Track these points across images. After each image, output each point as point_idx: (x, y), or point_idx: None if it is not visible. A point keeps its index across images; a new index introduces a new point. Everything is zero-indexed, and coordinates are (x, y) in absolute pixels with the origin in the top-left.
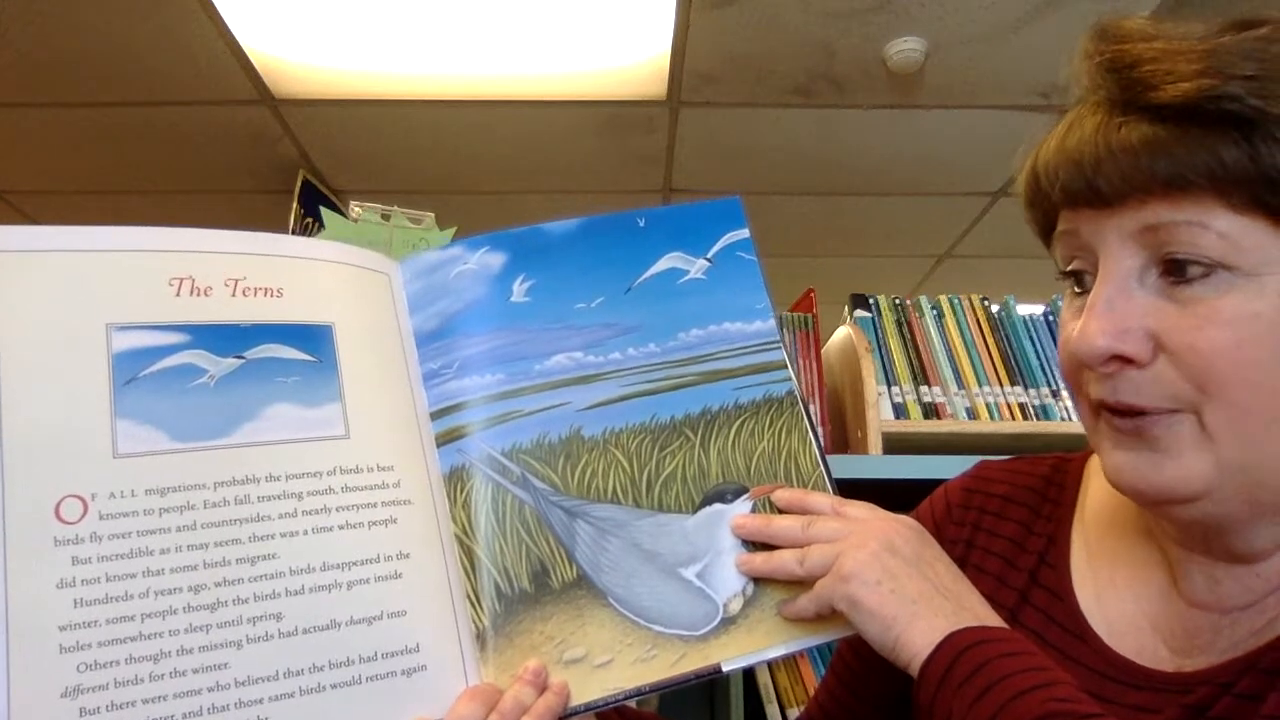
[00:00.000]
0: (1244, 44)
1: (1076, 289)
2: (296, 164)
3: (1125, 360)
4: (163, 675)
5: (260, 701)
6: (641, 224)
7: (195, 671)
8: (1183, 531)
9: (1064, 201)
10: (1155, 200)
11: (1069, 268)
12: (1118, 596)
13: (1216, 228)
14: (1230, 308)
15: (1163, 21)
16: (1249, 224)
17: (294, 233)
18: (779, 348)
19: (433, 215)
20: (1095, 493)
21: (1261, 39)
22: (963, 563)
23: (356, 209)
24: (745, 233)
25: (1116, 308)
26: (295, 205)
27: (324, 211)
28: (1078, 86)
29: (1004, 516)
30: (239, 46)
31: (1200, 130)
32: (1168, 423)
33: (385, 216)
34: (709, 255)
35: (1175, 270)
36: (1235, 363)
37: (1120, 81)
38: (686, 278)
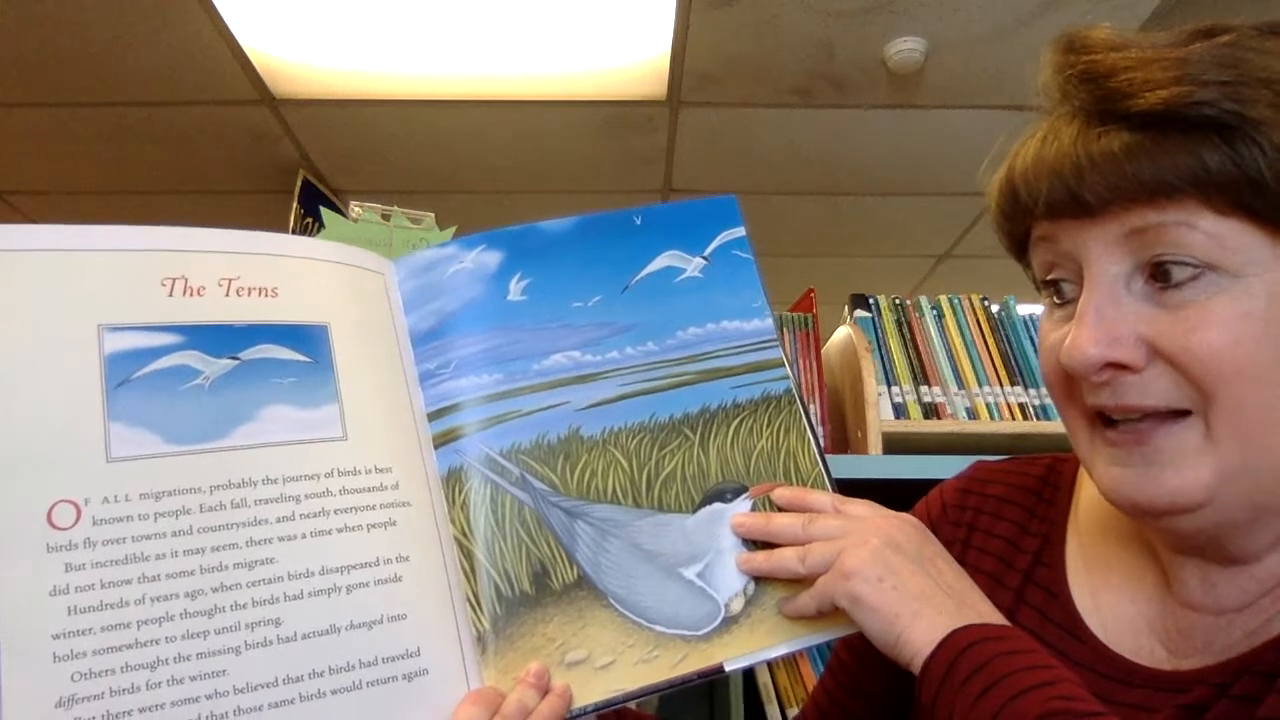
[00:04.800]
0: (1215, 51)
1: (1056, 299)
2: (296, 164)
3: (1119, 367)
4: (160, 683)
5: (260, 709)
6: (638, 222)
7: (193, 679)
8: (1178, 539)
9: (1046, 213)
10: (1140, 206)
11: (1049, 277)
12: (1113, 597)
13: (1203, 228)
14: (1221, 309)
15: (1128, 32)
16: (1232, 225)
17: (294, 233)
18: (776, 346)
19: (432, 215)
20: (1089, 493)
21: (1230, 45)
22: (958, 562)
23: (356, 209)
24: (741, 231)
25: (1106, 316)
26: (295, 205)
27: (324, 211)
28: (1047, 99)
29: (999, 516)
30: (239, 46)
31: (1181, 136)
32: (1168, 431)
33: (385, 216)
34: (705, 253)
35: (1162, 276)
36: (1233, 363)
37: (1096, 91)
38: (683, 276)
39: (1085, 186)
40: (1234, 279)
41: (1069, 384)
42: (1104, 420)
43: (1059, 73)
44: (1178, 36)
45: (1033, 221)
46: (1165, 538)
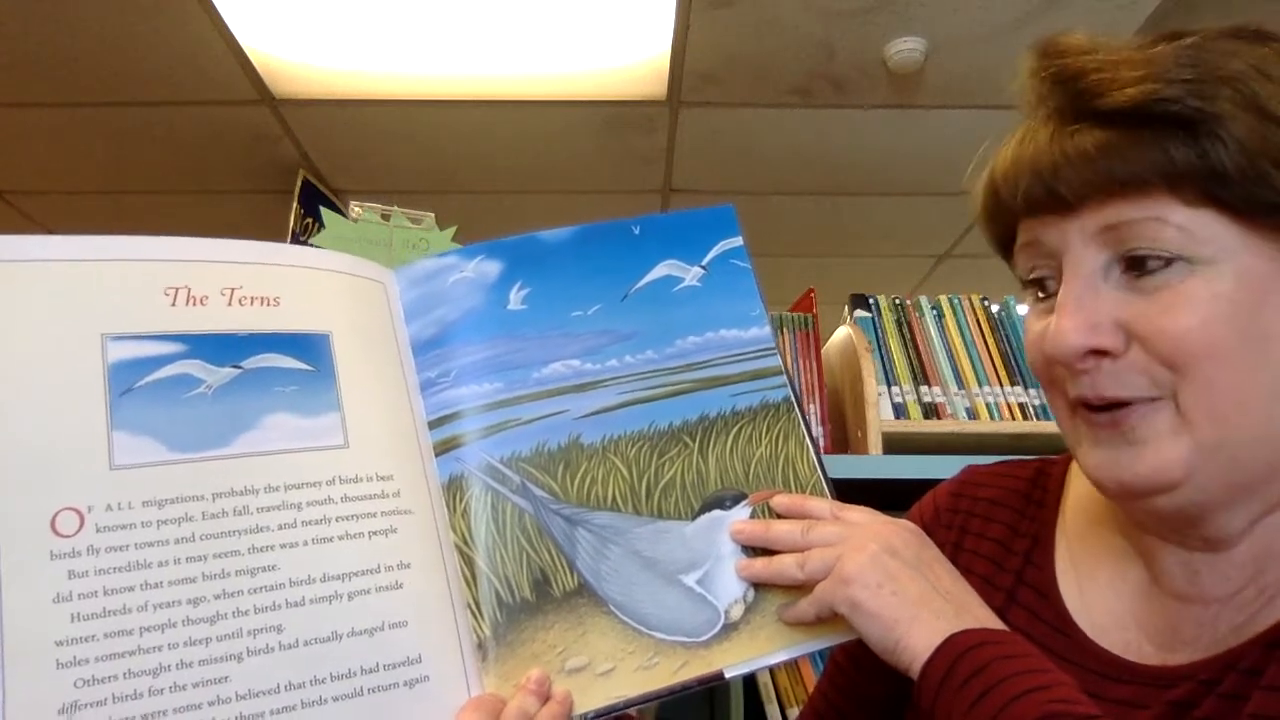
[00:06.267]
0: (1179, 52)
1: (1040, 294)
2: (296, 164)
3: (1100, 354)
4: (162, 690)
5: (261, 715)
6: (636, 232)
7: (195, 685)
8: (1161, 523)
9: (1026, 210)
10: (1114, 200)
11: (1031, 276)
12: (1100, 593)
13: (1174, 222)
14: (1192, 291)
15: (1099, 37)
16: (1202, 216)
17: (294, 233)
18: (775, 354)
19: (433, 215)
20: (1077, 493)
21: (1193, 47)
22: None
23: (356, 209)
24: (739, 240)
25: (1086, 304)
26: (295, 205)
27: (324, 211)
28: (1024, 103)
29: (990, 519)
30: (239, 46)
31: (1149, 132)
32: (1143, 413)
33: (385, 216)
34: (704, 263)
35: (1136, 265)
36: (1203, 341)
37: (1068, 92)
38: (682, 285)
39: (1061, 181)
40: (1205, 264)
41: (1053, 371)
42: (1086, 405)
43: (1033, 76)
44: (1145, 40)
45: (1016, 221)
46: (1147, 522)
